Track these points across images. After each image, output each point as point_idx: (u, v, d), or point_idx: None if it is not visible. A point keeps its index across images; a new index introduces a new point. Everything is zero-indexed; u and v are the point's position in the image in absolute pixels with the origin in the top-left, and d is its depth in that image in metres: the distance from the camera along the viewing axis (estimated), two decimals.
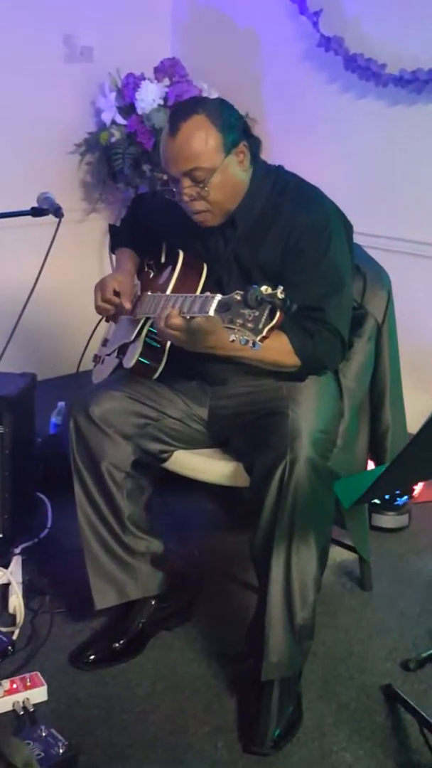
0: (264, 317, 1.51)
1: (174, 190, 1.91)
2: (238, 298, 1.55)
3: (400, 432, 2.20)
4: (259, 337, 1.52)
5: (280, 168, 2.04)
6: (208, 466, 2.10)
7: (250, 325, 1.52)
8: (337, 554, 2.44)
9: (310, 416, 1.86)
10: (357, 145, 3.25)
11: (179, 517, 2.48)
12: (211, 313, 1.62)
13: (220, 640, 2.16)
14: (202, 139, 1.84)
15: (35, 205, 2.41)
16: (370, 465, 2.26)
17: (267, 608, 1.84)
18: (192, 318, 1.74)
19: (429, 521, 2.75)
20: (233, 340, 1.55)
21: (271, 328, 1.52)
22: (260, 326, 1.51)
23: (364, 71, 3.13)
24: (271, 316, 1.51)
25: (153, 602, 2.12)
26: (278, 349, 1.84)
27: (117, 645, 2.08)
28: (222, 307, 1.60)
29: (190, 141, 1.84)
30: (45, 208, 2.39)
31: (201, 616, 2.25)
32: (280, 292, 1.51)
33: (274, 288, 1.51)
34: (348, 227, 2.02)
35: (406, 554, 2.59)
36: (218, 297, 1.62)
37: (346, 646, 2.17)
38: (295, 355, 1.86)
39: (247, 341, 1.53)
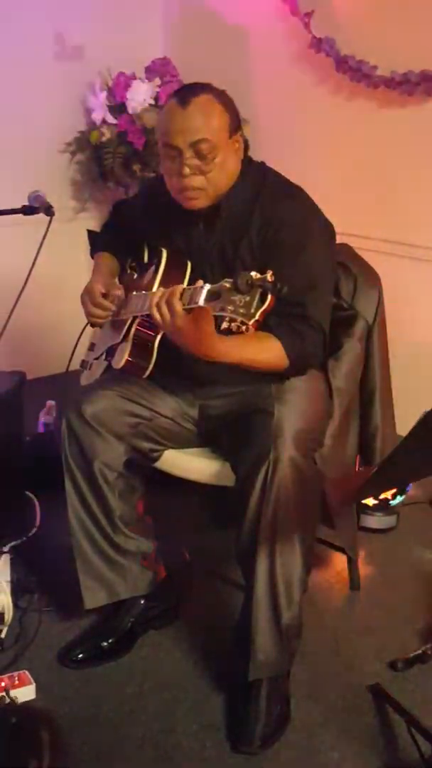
0: (255, 301, 1.52)
1: (170, 165, 1.89)
2: (228, 285, 1.56)
3: (389, 433, 2.21)
4: (252, 321, 1.53)
5: (261, 164, 2.05)
6: (197, 465, 2.10)
7: (242, 310, 1.53)
8: (326, 554, 2.45)
9: (294, 415, 1.87)
10: (348, 147, 3.26)
11: (168, 517, 2.47)
12: (202, 302, 1.62)
13: (209, 639, 2.16)
14: (212, 114, 1.85)
15: (25, 203, 2.41)
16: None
17: (252, 607, 1.84)
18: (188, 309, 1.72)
19: (417, 522, 2.76)
20: (225, 328, 1.55)
21: (263, 312, 1.53)
22: (252, 310, 1.52)
23: (355, 73, 3.13)
24: (262, 300, 1.53)
25: (142, 601, 2.12)
26: (269, 350, 1.85)
27: (105, 644, 2.08)
28: (212, 296, 1.60)
29: (201, 113, 1.84)
30: (36, 207, 2.38)
31: (190, 616, 2.25)
32: (269, 276, 1.52)
33: (263, 273, 1.52)
34: (329, 228, 2.01)
35: (394, 554, 2.60)
36: (207, 286, 1.63)
37: (334, 645, 2.18)
38: (286, 356, 1.86)
39: (239, 326, 1.53)
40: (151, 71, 3.59)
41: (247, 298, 1.53)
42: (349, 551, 2.36)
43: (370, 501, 2.64)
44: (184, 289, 1.72)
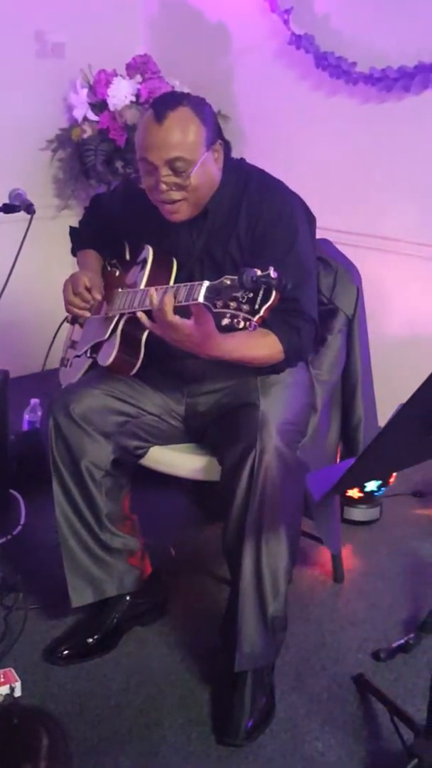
0: (260, 297, 1.53)
1: (148, 179, 1.90)
2: (228, 282, 1.56)
3: (372, 425, 2.23)
4: (256, 317, 1.53)
5: (241, 161, 2.06)
6: (183, 461, 2.11)
7: (245, 306, 1.54)
8: (309, 547, 2.47)
9: (278, 407, 1.89)
10: (328, 143, 3.27)
11: (153, 514, 2.49)
12: (201, 299, 1.62)
13: (194, 634, 2.18)
14: (188, 130, 1.85)
15: (6, 201, 2.41)
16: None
17: (239, 599, 1.86)
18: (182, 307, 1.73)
19: (399, 514, 2.79)
20: (226, 324, 1.55)
21: (268, 308, 1.53)
22: (256, 306, 1.53)
23: (335, 69, 3.15)
24: (267, 297, 1.53)
25: (128, 598, 2.13)
26: (267, 346, 1.87)
27: (91, 640, 2.09)
28: (211, 293, 1.60)
29: (177, 130, 1.84)
30: (16, 205, 2.39)
31: (175, 612, 2.26)
32: (272, 272, 1.53)
33: (264, 270, 1.53)
34: (311, 218, 2.04)
35: (377, 547, 2.62)
36: (206, 282, 1.63)
37: (318, 637, 2.20)
38: (283, 350, 1.88)
39: (244, 323, 1.54)
40: (131, 68, 3.58)
41: (251, 295, 1.53)
42: (329, 546, 2.37)
43: (355, 493, 2.67)
44: (179, 286, 1.73)
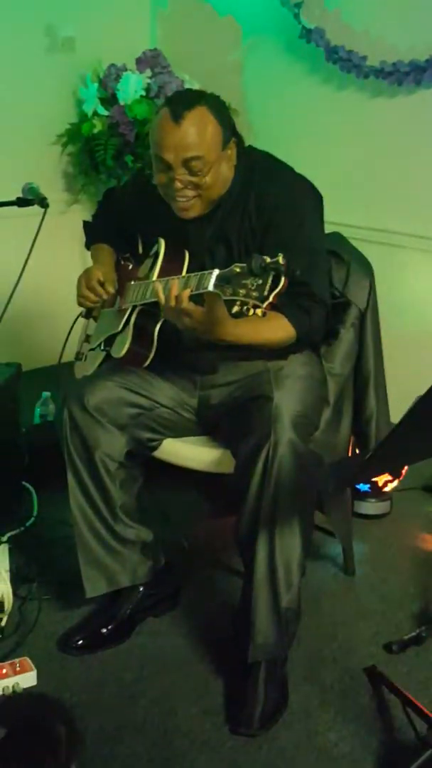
0: (268, 284, 1.54)
1: (161, 176, 1.91)
2: (238, 270, 1.58)
3: (383, 419, 2.23)
4: (265, 304, 1.55)
5: (250, 147, 2.06)
6: (196, 453, 2.12)
7: (254, 293, 1.55)
8: (321, 540, 2.48)
9: (292, 400, 1.90)
10: (338, 137, 3.28)
11: (165, 507, 2.50)
12: (211, 287, 1.64)
13: (207, 625, 2.19)
14: (205, 131, 1.85)
15: (16, 196, 2.42)
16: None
17: (252, 591, 1.87)
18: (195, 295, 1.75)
19: (410, 508, 2.80)
20: (236, 311, 1.57)
21: (276, 294, 1.54)
22: (265, 293, 1.54)
23: (345, 63, 3.16)
24: (275, 283, 1.54)
25: (141, 589, 2.15)
26: (279, 329, 1.89)
27: (105, 630, 2.11)
28: (221, 281, 1.62)
29: (194, 130, 1.84)
30: (30, 199, 2.40)
31: (188, 603, 2.28)
32: (281, 258, 1.54)
33: (273, 256, 1.54)
34: (318, 199, 2.04)
35: (387, 540, 2.63)
36: (216, 271, 1.64)
37: (330, 629, 2.21)
38: (294, 333, 1.90)
39: (253, 309, 1.55)
40: (141, 63, 3.59)
41: (260, 281, 1.54)
42: (342, 539, 2.40)
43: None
44: (190, 275, 1.74)
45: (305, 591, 2.07)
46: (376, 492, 2.71)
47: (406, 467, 2.65)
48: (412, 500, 2.83)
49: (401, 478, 2.73)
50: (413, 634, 2.13)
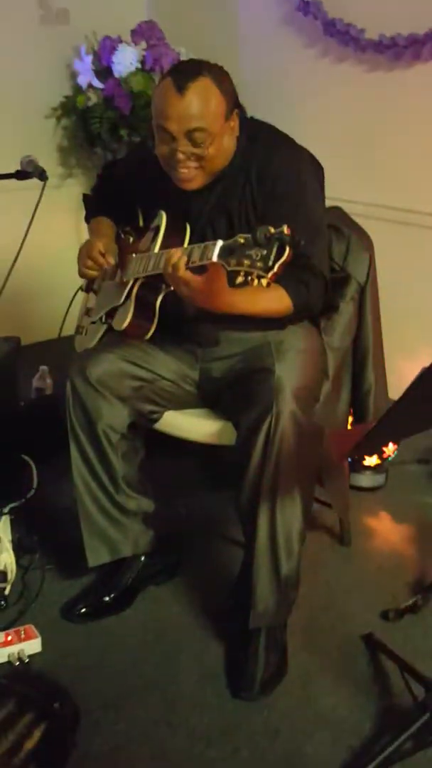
0: (273, 254, 1.56)
1: (163, 147, 1.91)
2: (242, 240, 1.59)
3: (381, 393, 2.27)
4: (270, 274, 1.56)
5: (252, 119, 2.07)
6: (196, 425, 2.15)
7: (259, 264, 1.56)
8: (318, 512, 2.52)
9: (293, 372, 1.92)
10: (336, 111, 3.28)
11: (165, 479, 2.53)
12: (215, 258, 1.65)
13: (207, 593, 2.23)
14: (209, 102, 1.85)
15: (11, 169, 2.42)
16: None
17: (253, 559, 1.91)
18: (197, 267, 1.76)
19: (404, 480, 2.84)
20: (240, 282, 1.58)
21: (282, 264, 1.56)
22: (270, 263, 1.56)
23: (343, 36, 3.15)
24: (280, 253, 1.56)
25: (143, 559, 2.18)
26: (277, 300, 1.90)
27: (107, 599, 2.14)
28: (225, 252, 1.63)
29: (197, 101, 1.84)
30: (29, 171, 2.41)
31: (188, 572, 2.31)
32: (286, 229, 1.55)
33: (277, 227, 1.55)
34: (319, 169, 2.06)
35: (383, 512, 2.67)
36: (220, 242, 1.65)
37: (328, 598, 2.25)
38: (292, 304, 1.92)
39: (258, 280, 1.57)
40: (136, 35, 3.57)
41: (264, 252, 1.56)
42: (339, 511, 2.44)
43: (371, 461, 2.71)
44: (193, 246, 1.75)
45: (302, 561, 2.10)
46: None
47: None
48: (407, 473, 2.87)
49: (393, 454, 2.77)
50: (409, 602, 2.17)
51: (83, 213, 2.43)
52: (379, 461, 2.73)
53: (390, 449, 2.75)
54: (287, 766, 1.73)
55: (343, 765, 1.73)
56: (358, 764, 1.68)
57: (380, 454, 2.71)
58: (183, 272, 1.77)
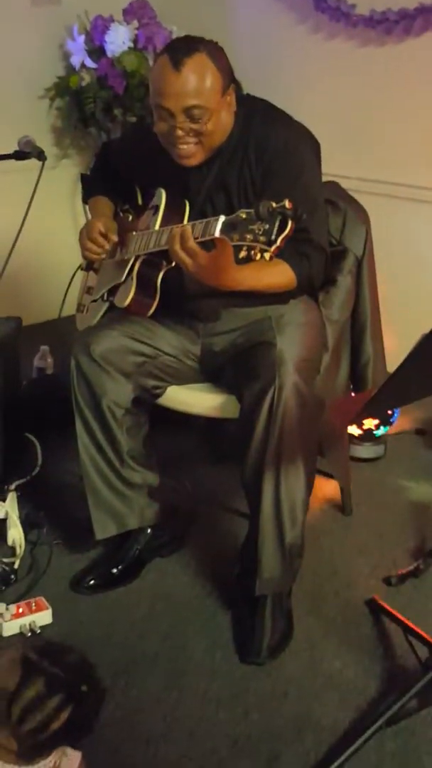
0: (276, 228, 1.59)
1: (162, 124, 1.93)
2: (244, 216, 1.62)
3: (380, 364, 2.30)
4: (273, 247, 1.59)
5: (248, 95, 2.09)
6: (199, 399, 2.18)
7: (262, 238, 1.59)
8: (320, 482, 2.55)
9: (294, 345, 1.95)
10: (327, 87, 3.29)
11: (169, 453, 2.57)
12: (217, 233, 1.68)
13: (213, 564, 2.28)
14: (205, 78, 1.87)
15: (4, 151, 2.43)
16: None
17: (259, 528, 1.95)
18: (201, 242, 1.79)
19: (403, 451, 2.88)
20: (243, 256, 1.61)
21: (284, 238, 1.59)
22: (273, 237, 1.59)
23: (334, 12, 3.16)
24: (282, 227, 1.59)
25: (149, 531, 2.23)
26: (281, 274, 1.94)
27: (115, 571, 2.19)
28: (227, 227, 1.66)
29: (194, 77, 1.86)
30: (28, 152, 2.42)
31: (193, 543, 2.36)
32: (288, 203, 1.59)
33: (279, 201, 1.58)
34: (316, 144, 2.08)
35: (383, 482, 2.72)
36: (222, 217, 1.68)
37: (331, 565, 2.30)
38: (295, 278, 1.96)
39: (260, 254, 1.59)
40: (128, 14, 3.57)
41: (267, 226, 1.59)
42: (340, 480, 2.49)
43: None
44: (195, 222, 1.78)
45: (306, 530, 2.15)
46: (371, 436, 2.79)
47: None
48: (405, 443, 2.92)
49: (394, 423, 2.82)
50: (411, 567, 2.23)
51: (80, 193, 2.45)
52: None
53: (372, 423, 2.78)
54: (296, 726, 1.78)
55: (350, 724, 1.79)
56: (366, 723, 1.73)
57: (385, 418, 2.74)
58: (192, 242, 1.78)
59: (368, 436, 2.79)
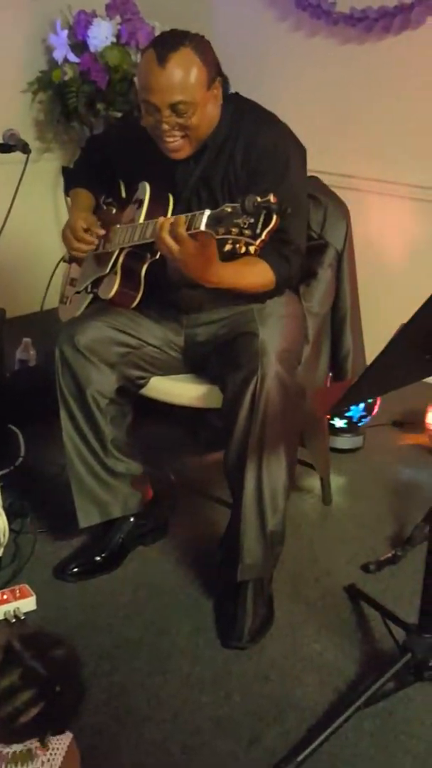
0: (261, 222, 1.62)
1: (149, 118, 1.96)
2: (229, 210, 1.65)
3: (359, 356, 2.35)
4: (258, 241, 1.63)
5: (237, 94, 2.12)
6: (182, 390, 2.22)
7: (247, 231, 1.63)
8: (300, 472, 2.60)
9: (276, 336, 1.99)
10: (308, 84, 3.33)
11: (153, 443, 2.60)
12: (202, 227, 1.71)
13: (195, 551, 2.31)
14: (190, 72, 1.89)
15: None
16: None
17: (241, 515, 1.99)
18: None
19: (381, 442, 2.94)
20: (228, 250, 1.65)
21: (269, 232, 1.63)
22: (258, 230, 1.62)
23: (315, 9, 3.20)
24: (267, 220, 1.62)
25: (132, 520, 2.25)
26: (261, 274, 1.98)
27: (98, 558, 2.22)
28: (213, 221, 1.69)
29: (179, 72, 1.88)
30: (12, 144, 2.44)
31: (176, 532, 2.39)
32: (272, 197, 1.62)
33: (264, 196, 1.62)
34: (302, 150, 2.11)
35: (361, 472, 2.78)
36: (207, 211, 1.71)
37: (311, 553, 2.35)
38: (273, 279, 1.99)
39: (245, 247, 1.63)
40: (111, 9, 3.59)
41: (252, 220, 1.62)
42: (320, 471, 2.54)
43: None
44: (181, 216, 1.81)
45: (287, 519, 2.19)
46: (351, 427, 2.84)
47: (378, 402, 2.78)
48: (383, 435, 2.98)
49: (374, 414, 2.87)
50: (389, 555, 2.28)
51: (62, 186, 2.47)
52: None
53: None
54: (278, 708, 1.83)
55: (330, 705, 1.83)
56: (345, 704, 1.77)
57: (369, 408, 2.79)
58: (183, 229, 1.79)
59: (349, 427, 2.84)
